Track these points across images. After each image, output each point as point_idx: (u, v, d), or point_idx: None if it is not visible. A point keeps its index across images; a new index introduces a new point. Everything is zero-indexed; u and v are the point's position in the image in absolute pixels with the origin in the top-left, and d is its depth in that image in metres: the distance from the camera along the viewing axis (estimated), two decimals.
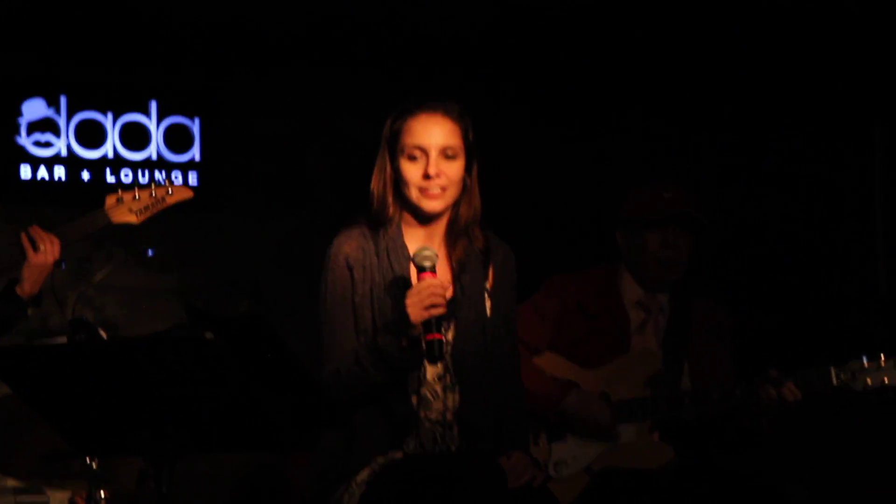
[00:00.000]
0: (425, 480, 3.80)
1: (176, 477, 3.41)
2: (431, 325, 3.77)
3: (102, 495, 4.56)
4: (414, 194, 3.95)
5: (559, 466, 4.60)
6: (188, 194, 4.62)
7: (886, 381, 4.46)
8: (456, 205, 4.01)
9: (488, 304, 4.06)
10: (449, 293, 3.90)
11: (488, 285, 4.08)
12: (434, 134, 3.94)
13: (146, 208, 4.52)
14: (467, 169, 4.00)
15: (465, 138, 3.99)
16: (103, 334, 4.38)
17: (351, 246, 3.99)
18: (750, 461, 4.79)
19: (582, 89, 6.50)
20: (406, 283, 3.89)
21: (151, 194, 4.53)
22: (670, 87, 6.45)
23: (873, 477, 5.97)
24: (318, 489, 3.97)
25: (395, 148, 3.98)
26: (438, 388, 3.96)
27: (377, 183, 4.01)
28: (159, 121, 6.24)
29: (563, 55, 6.44)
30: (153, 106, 6.23)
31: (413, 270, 3.89)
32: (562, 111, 6.50)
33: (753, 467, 4.72)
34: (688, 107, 6.46)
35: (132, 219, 4.51)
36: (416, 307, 3.77)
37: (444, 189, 3.94)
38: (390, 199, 3.99)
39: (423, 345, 3.77)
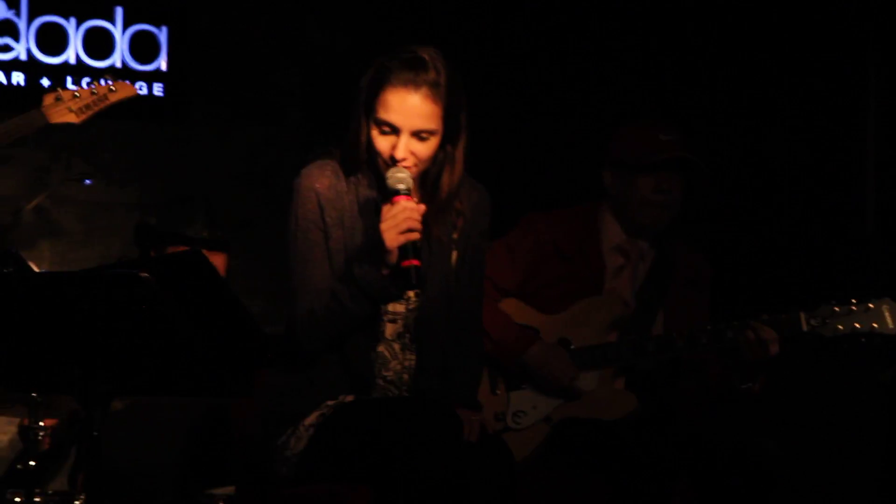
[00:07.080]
0: (377, 423, 3.67)
1: (114, 419, 3.30)
2: (408, 250, 3.58)
3: (42, 424, 4.39)
4: (382, 164, 3.72)
5: (518, 416, 4.45)
6: (132, 92, 4.53)
7: (858, 327, 4.26)
8: (437, 174, 3.78)
9: (454, 255, 3.88)
10: (423, 209, 3.67)
11: (455, 236, 3.88)
12: (408, 115, 3.65)
13: (87, 107, 4.41)
14: (451, 142, 3.75)
15: (445, 116, 3.69)
16: (34, 267, 4.23)
17: (323, 184, 3.77)
18: (716, 415, 4.64)
19: (564, 20, 6.25)
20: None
21: (93, 92, 4.44)
22: (659, 18, 6.21)
23: (847, 429, 5.84)
24: (264, 433, 3.84)
25: (369, 114, 3.72)
26: (397, 347, 3.83)
27: (353, 133, 3.77)
28: (125, 28, 6.02)
29: None
30: (119, 12, 6.01)
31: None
32: (541, 44, 6.27)
33: (720, 422, 4.57)
34: (676, 40, 6.21)
35: (72, 118, 4.42)
36: (392, 231, 3.57)
37: (412, 166, 3.70)
38: (362, 149, 3.76)
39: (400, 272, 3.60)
